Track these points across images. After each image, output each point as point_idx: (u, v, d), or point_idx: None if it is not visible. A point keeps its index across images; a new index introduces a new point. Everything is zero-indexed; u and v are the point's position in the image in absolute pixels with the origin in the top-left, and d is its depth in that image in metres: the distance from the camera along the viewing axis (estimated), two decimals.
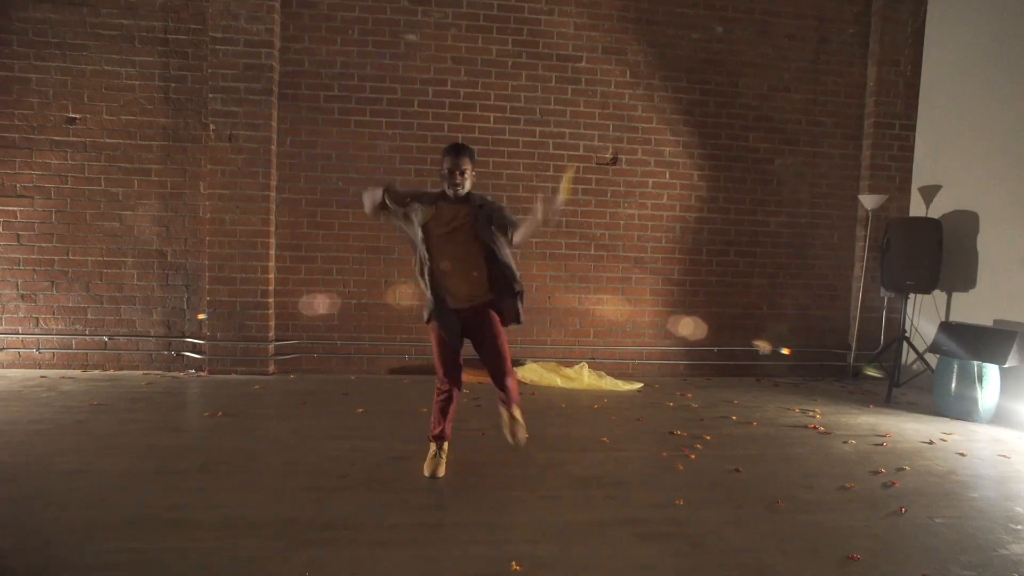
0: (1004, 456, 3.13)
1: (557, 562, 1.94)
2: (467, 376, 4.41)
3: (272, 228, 4.51)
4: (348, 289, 4.65)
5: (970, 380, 3.70)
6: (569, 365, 4.61)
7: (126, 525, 2.11)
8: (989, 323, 4.05)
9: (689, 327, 4.95)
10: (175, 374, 4.45)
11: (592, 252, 4.87)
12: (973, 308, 4.28)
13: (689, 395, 4.28)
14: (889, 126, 4.98)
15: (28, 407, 3.48)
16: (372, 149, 4.59)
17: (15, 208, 4.42)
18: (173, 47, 4.43)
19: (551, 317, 4.85)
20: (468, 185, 2.59)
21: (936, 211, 4.70)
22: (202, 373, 4.47)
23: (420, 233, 2.55)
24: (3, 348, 4.44)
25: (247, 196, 4.42)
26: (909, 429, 3.55)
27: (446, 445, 2.73)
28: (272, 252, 4.53)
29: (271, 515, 2.21)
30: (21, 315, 4.47)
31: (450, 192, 2.56)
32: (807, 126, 5.05)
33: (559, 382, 4.41)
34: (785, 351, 4.96)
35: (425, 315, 2.68)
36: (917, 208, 4.92)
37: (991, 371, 3.68)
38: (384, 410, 3.65)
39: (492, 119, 4.71)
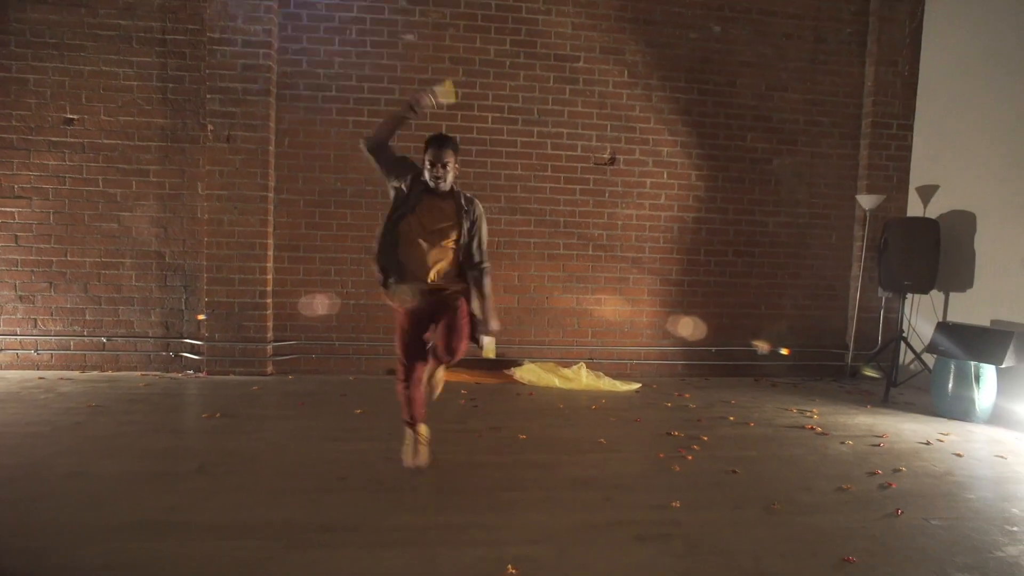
0: (1001, 457, 3.14)
1: (554, 564, 1.95)
2: (466, 376, 4.50)
3: (270, 229, 4.51)
4: (346, 290, 4.65)
5: (967, 380, 3.71)
6: (567, 365, 4.62)
7: (124, 528, 2.11)
8: (986, 323, 4.06)
9: (687, 327, 4.96)
10: (173, 375, 4.45)
11: (590, 252, 4.87)
12: (970, 308, 4.29)
13: (687, 395, 4.28)
14: (887, 126, 4.99)
15: (26, 409, 3.48)
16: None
17: (13, 209, 4.42)
18: (171, 48, 4.42)
19: (549, 317, 4.85)
20: (451, 179, 2.56)
21: (934, 211, 4.71)
22: (200, 374, 4.47)
23: (398, 211, 2.53)
24: (1, 349, 4.44)
25: (245, 197, 4.42)
26: (906, 429, 3.56)
27: (423, 429, 2.70)
28: (270, 253, 4.53)
29: (269, 517, 2.22)
30: (19, 316, 4.46)
31: (432, 184, 2.54)
32: (805, 126, 5.05)
33: (557, 383, 4.41)
34: (784, 351, 4.97)
35: (391, 293, 2.59)
36: (915, 208, 4.93)
37: (988, 371, 3.69)
38: (382, 411, 3.65)
39: (490, 119, 4.71)
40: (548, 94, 4.76)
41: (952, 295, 4.49)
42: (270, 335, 4.55)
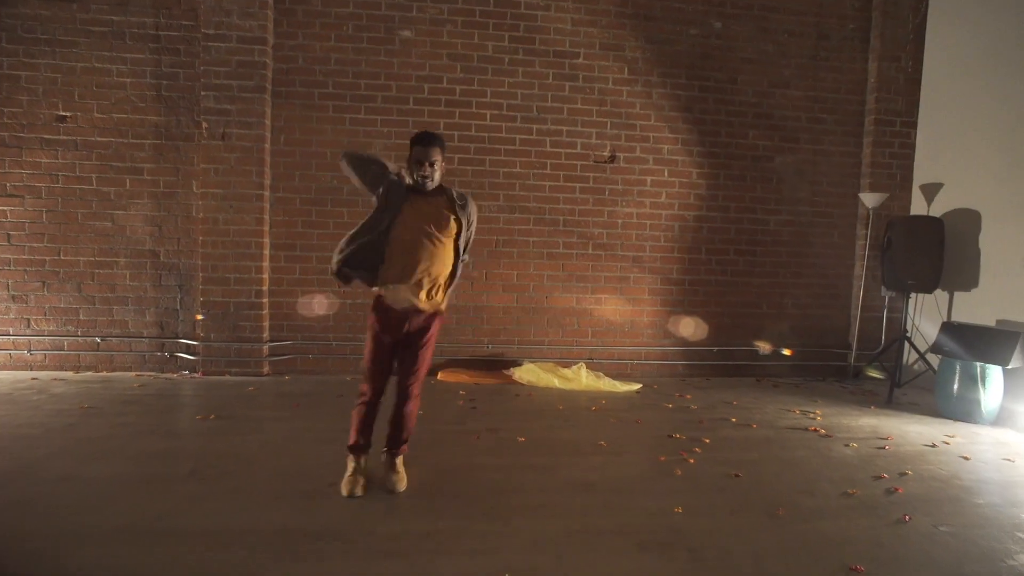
0: (1008, 460, 3.08)
1: (552, 574, 1.89)
2: (465, 377, 4.45)
3: (266, 227, 4.45)
4: (343, 289, 4.58)
5: (973, 381, 3.66)
6: (567, 366, 4.57)
7: (114, 534, 2.06)
8: (992, 323, 4.00)
9: (688, 327, 4.90)
10: (168, 375, 4.40)
11: (590, 251, 4.81)
12: (975, 308, 4.23)
13: (688, 396, 4.23)
14: (890, 123, 4.93)
15: (17, 410, 3.43)
16: (367, 147, 4.52)
17: (5, 208, 4.36)
18: (165, 44, 4.36)
19: (548, 317, 4.80)
20: (438, 177, 2.46)
21: (938, 209, 4.65)
22: (196, 375, 4.42)
23: (385, 219, 2.39)
24: None
25: (240, 195, 4.36)
26: (911, 431, 3.51)
27: (365, 460, 2.51)
28: (266, 252, 4.47)
29: (261, 523, 2.17)
30: (12, 316, 4.41)
31: (419, 184, 2.44)
32: (807, 123, 4.99)
33: (557, 383, 4.36)
34: (786, 352, 4.91)
35: (390, 292, 2.44)
36: (918, 206, 4.87)
37: (994, 372, 3.63)
38: (380, 412, 3.59)
39: (488, 116, 4.65)
40: (547, 91, 4.70)
41: (957, 295, 4.44)
42: (266, 335, 4.49)
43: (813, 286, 5.05)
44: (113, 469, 2.61)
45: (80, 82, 4.33)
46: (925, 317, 4.67)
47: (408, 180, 2.44)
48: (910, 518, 2.32)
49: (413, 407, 2.52)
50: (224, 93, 4.28)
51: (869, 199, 4.68)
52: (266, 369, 4.49)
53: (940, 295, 4.52)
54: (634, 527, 2.21)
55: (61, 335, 4.44)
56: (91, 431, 3.12)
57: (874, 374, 4.67)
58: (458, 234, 2.51)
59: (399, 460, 2.54)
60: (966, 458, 3.07)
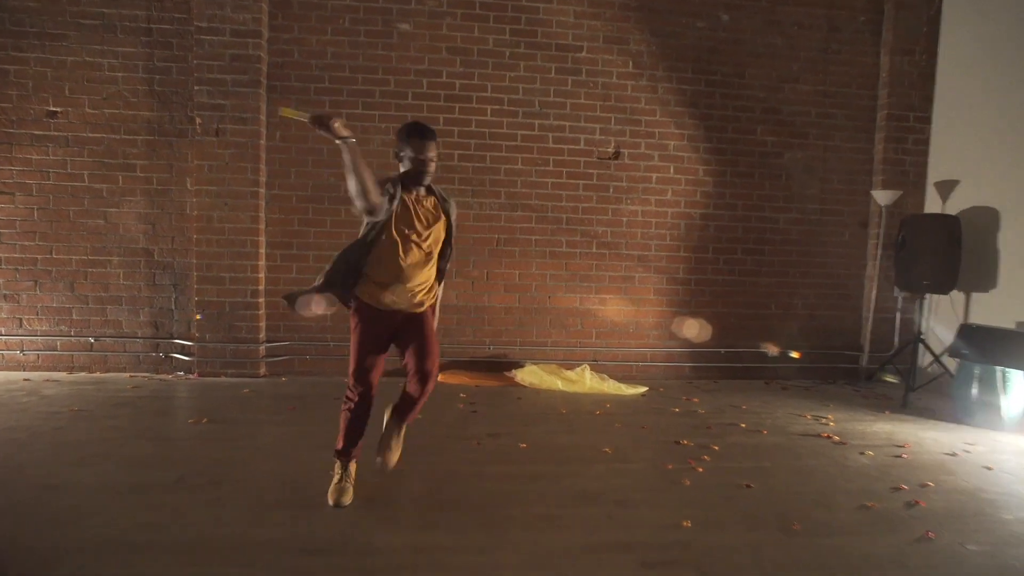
0: None
1: None
2: (466, 378, 4.33)
3: (262, 226, 4.35)
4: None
5: (993, 386, 3.52)
6: (570, 367, 4.45)
7: (94, 547, 1.96)
8: (1012, 326, 3.86)
9: (694, 328, 4.78)
10: (163, 377, 4.31)
11: (594, 250, 4.69)
12: (994, 309, 4.09)
13: (695, 400, 4.11)
14: (903, 118, 4.78)
15: (5, 413, 3.34)
16: (365, 144, 4.39)
17: None
18: (157, 37, 4.25)
19: (551, 317, 4.68)
20: (433, 172, 2.35)
21: (953, 207, 4.51)
22: (191, 376, 4.32)
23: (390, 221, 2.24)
24: None
25: (235, 192, 4.26)
26: (929, 438, 3.37)
27: (354, 467, 2.39)
28: (262, 251, 4.37)
29: (247, 536, 2.06)
30: (4, 316, 4.32)
31: (422, 181, 2.31)
32: (817, 119, 4.85)
33: (560, 385, 4.24)
34: (795, 355, 4.78)
35: (353, 303, 2.34)
36: (933, 204, 4.72)
37: (1016, 377, 3.49)
38: (374, 417, 3.44)
39: (489, 112, 4.53)
40: (549, 85, 4.57)
41: (974, 295, 4.30)
42: (262, 336, 4.39)
43: (823, 286, 4.92)
44: (99, 476, 2.51)
45: (71, 76, 4.23)
46: (940, 318, 4.54)
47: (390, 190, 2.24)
48: (935, 535, 2.19)
49: (432, 386, 2.38)
50: (218, 88, 4.17)
51: (881, 197, 4.55)
52: (262, 370, 4.39)
53: (956, 296, 4.38)
54: (640, 542, 2.09)
55: (54, 335, 4.35)
56: (79, 435, 3.02)
57: (890, 379, 4.54)
58: (446, 238, 2.40)
59: (402, 431, 2.46)
60: (989, 468, 2.93)
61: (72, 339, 4.36)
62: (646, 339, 4.76)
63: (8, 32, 4.17)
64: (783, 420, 3.67)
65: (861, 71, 4.85)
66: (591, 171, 4.66)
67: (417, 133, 2.30)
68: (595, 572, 1.91)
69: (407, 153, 2.29)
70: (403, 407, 2.43)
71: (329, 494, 2.32)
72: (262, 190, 4.33)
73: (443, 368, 4.45)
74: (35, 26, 4.18)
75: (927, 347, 4.33)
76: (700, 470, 2.79)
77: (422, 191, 2.36)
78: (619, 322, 4.73)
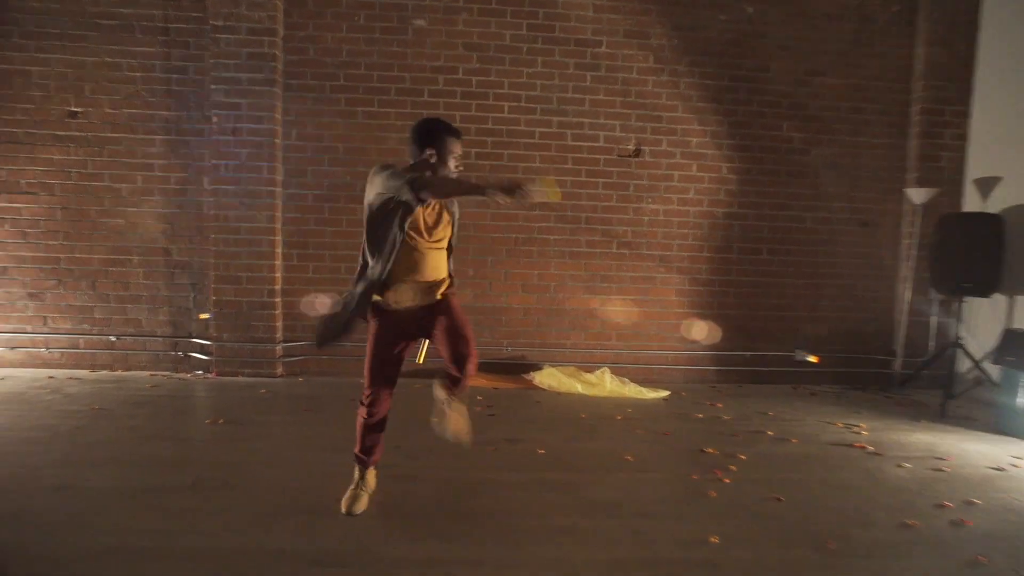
0: None
1: None
2: (483, 381, 4.26)
3: (278, 225, 4.32)
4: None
5: None
6: (590, 370, 4.35)
7: (102, 554, 1.93)
8: None
9: (718, 330, 4.63)
10: (182, 376, 4.32)
11: (614, 250, 4.58)
12: None
13: (719, 405, 3.98)
14: (939, 112, 4.57)
15: (29, 411, 3.36)
16: (381, 141, 4.36)
17: (20, 205, 4.32)
18: (174, 36, 4.25)
19: (570, 319, 4.58)
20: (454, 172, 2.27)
21: (995, 205, 4.28)
22: (209, 375, 4.33)
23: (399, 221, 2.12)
24: (14, 347, 4.35)
25: (251, 192, 4.24)
26: (972, 451, 3.19)
27: (371, 474, 2.33)
28: (279, 250, 4.35)
29: (258, 545, 2.01)
30: (29, 314, 4.37)
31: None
32: (847, 113, 4.66)
33: (579, 388, 4.15)
34: (812, 359, 4.58)
35: (395, 293, 2.18)
36: (972, 202, 4.50)
37: None
38: (391, 419, 3.42)
39: (506, 109, 4.44)
40: (568, 81, 4.46)
41: (1019, 299, 4.07)
42: (279, 335, 4.37)
43: (853, 288, 4.73)
44: (113, 478, 2.50)
45: (91, 77, 4.25)
46: (979, 322, 4.32)
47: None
48: (986, 559, 2.03)
49: (473, 368, 2.23)
50: (234, 86, 4.16)
51: (916, 195, 4.35)
52: (279, 370, 4.37)
53: (997, 299, 4.16)
54: (664, 559, 1.99)
55: (77, 333, 4.39)
56: (98, 434, 3.03)
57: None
58: (451, 236, 2.32)
59: (456, 401, 2.22)
60: None
61: (94, 337, 4.39)
62: (668, 341, 4.63)
63: (31, 34, 4.21)
64: (813, 428, 3.52)
65: (894, 63, 4.64)
66: (611, 169, 4.54)
67: (451, 131, 2.20)
68: None
69: (432, 152, 2.18)
70: (448, 384, 2.24)
71: (343, 501, 2.26)
72: (278, 189, 4.30)
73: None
74: (57, 27, 4.21)
75: (966, 352, 4.12)
76: (727, 481, 2.67)
77: None
78: (640, 324, 4.61)
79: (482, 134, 4.42)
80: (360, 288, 2.16)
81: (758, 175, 4.64)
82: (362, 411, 2.29)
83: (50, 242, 4.34)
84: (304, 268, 4.42)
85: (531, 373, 4.33)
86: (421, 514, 2.28)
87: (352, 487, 2.31)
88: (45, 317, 4.38)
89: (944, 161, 4.58)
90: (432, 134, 2.19)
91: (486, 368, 4.46)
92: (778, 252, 4.68)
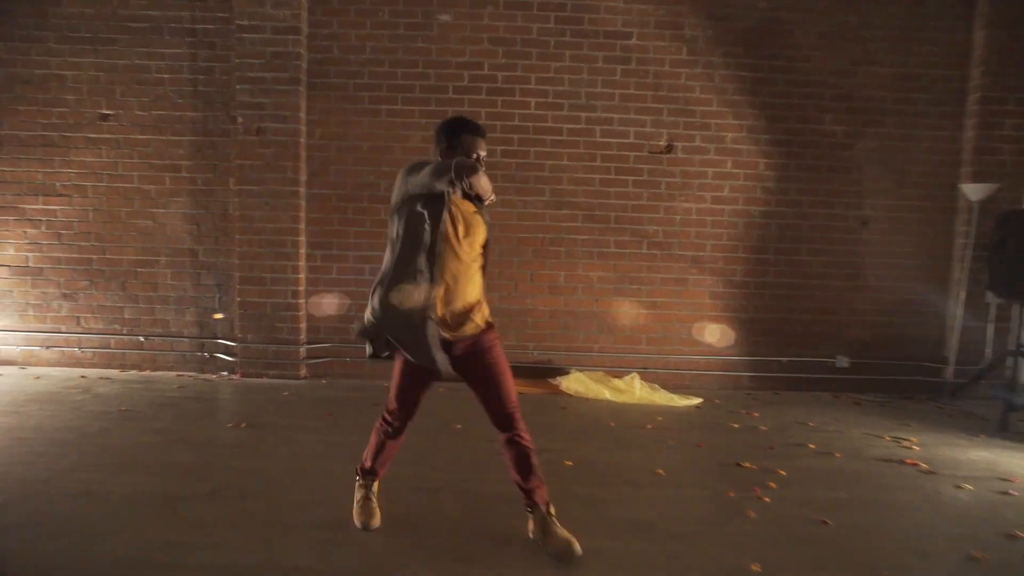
0: None
1: None
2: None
3: (302, 225, 4.30)
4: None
5: None
6: (618, 375, 4.19)
7: (117, 566, 1.89)
8: None
9: (754, 334, 4.42)
10: (208, 376, 4.34)
11: (644, 251, 4.40)
12: None
13: (755, 414, 3.78)
14: (1000, 101, 4.24)
15: (59, 411, 3.41)
16: (405, 140, 4.29)
17: (56, 207, 4.40)
18: (201, 37, 4.26)
19: (599, 322, 4.43)
20: None
21: None
22: (234, 376, 4.34)
23: (431, 230, 1.94)
24: (48, 347, 4.44)
25: (276, 192, 4.22)
26: None
27: (377, 485, 2.24)
28: (302, 251, 4.32)
29: (272, 561, 1.94)
30: (64, 314, 4.46)
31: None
32: (895, 104, 4.38)
33: (608, 394, 4.00)
34: (846, 362, 4.31)
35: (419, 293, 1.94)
36: None
37: None
38: (414, 425, 3.34)
39: (533, 105, 4.31)
40: (597, 76, 4.30)
41: None
42: (303, 337, 4.35)
43: (900, 290, 4.44)
44: (135, 484, 2.47)
45: (121, 79, 4.30)
46: None
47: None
48: None
49: (524, 430, 2.02)
50: (258, 86, 4.14)
51: (973, 191, 4.05)
52: (303, 372, 4.35)
53: None
54: None
55: (108, 333, 4.46)
56: (123, 438, 3.03)
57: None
58: (485, 243, 2.10)
59: (550, 513, 2.02)
60: None
61: (124, 337, 4.45)
62: (700, 346, 4.44)
63: (66, 39, 4.27)
64: (858, 441, 3.30)
65: (949, 49, 4.33)
66: (642, 166, 4.37)
67: (469, 127, 2.05)
68: None
69: (461, 148, 2.03)
70: (519, 477, 2.03)
71: (355, 516, 2.18)
72: (302, 189, 4.27)
73: None
74: (89, 31, 4.27)
75: None
76: (766, 500, 2.49)
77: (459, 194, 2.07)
78: (671, 328, 4.44)
79: (508, 131, 4.30)
80: (426, 314, 1.92)
81: (797, 171, 4.40)
82: (383, 425, 2.20)
83: (82, 243, 4.41)
84: (328, 269, 4.38)
85: (558, 378, 4.20)
86: (441, 531, 2.18)
87: (361, 501, 2.21)
88: (78, 317, 4.46)
89: (1004, 154, 4.26)
90: (455, 133, 2.07)
91: (511, 372, 4.35)
92: (818, 252, 4.44)
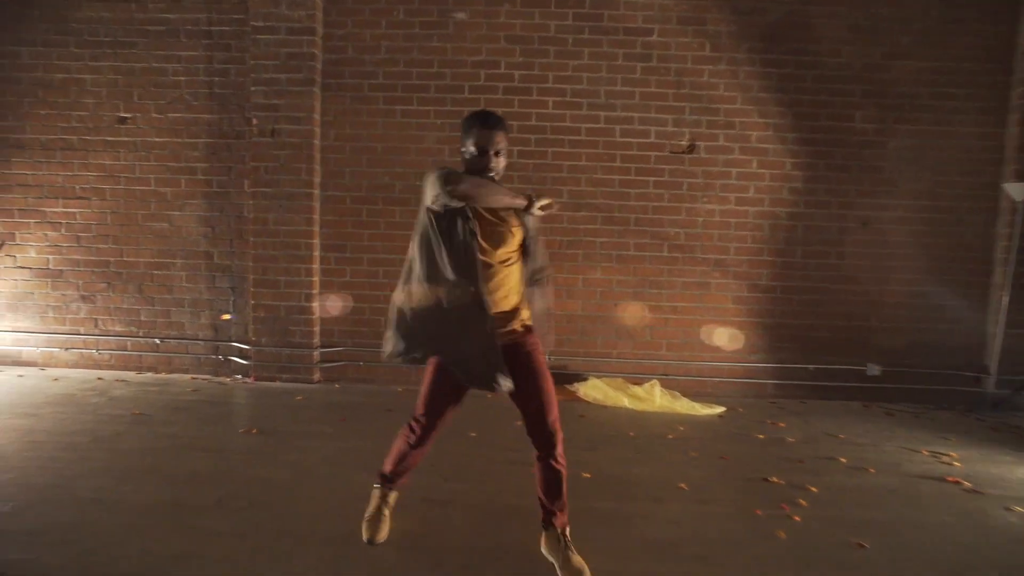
0: None
1: None
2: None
3: (316, 228, 4.25)
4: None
5: None
6: (638, 382, 4.07)
7: None
8: None
9: (779, 340, 4.25)
10: (222, 380, 4.32)
11: (665, 254, 4.27)
12: None
13: (781, 424, 3.62)
14: None
15: (74, 415, 3.40)
16: (419, 141, 4.22)
17: (75, 210, 4.43)
18: (217, 40, 4.24)
19: (617, 327, 4.30)
20: (502, 170, 1.95)
21: None
22: (248, 379, 4.31)
23: (465, 232, 1.86)
24: (68, 348, 4.47)
25: (290, 194, 4.18)
26: None
27: (394, 498, 2.14)
28: (316, 254, 4.28)
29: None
30: (82, 316, 4.48)
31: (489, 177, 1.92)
32: (930, 100, 4.17)
33: (626, 402, 3.87)
34: (877, 370, 4.11)
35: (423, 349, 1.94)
36: None
37: None
38: (427, 453, 3.27)
39: (550, 104, 4.20)
40: (617, 73, 4.18)
41: None
42: (316, 340, 4.31)
43: (936, 295, 4.23)
44: (144, 492, 2.43)
45: (139, 82, 4.31)
46: None
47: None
48: None
49: (563, 464, 1.93)
50: (273, 87, 4.11)
51: (1017, 190, 3.83)
52: (317, 376, 4.31)
53: None
54: None
55: (125, 335, 4.47)
56: (134, 442, 3.01)
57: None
58: (522, 246, 2.00)
59: (565, 536, 1.94)
60: None
61: (141, 340, 4.46)
62: (723, 352, 4.29)
63: (85, 43, 4.30)
64: (893, 455, 3.12)
65: (991, 41, 4.11)
66: (663, 167, 4.23)
67: (477, 120, 1.91)
68: None
69: (468, 148, 1.92)
70: (544, 497, 1.96)
71: (364, 528, 2.09)
72: (316, 191, 4.23)
73: None
74: (108, 35, 4.29)
75: None
76: (797, 519, 2.35)
77: None
78: (693, 333, 4.29)
79: (525, 131, 4.21)
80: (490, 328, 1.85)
81: (826, 171, 4.23)
82: (408, 434, 2.09)
83: (101, 246, 4.44)
84: (342, 272, 4.33)
85: (575, 384, 4.09)
86: (453, 546, 2.09)
87: (373, 512, 2.12)
88: (96, 319, 4.48)
89: None
90: (466, 129, 1.96)
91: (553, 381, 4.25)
92: (848, 256, 4.25)
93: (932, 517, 2.41)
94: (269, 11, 4.06)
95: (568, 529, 1.98)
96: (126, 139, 4.36)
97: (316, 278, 4.28)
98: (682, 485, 2.65)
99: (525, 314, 2.02)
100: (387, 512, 2.14)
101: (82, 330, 4.48)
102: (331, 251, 4.32)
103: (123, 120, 4.35)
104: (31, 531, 2.10)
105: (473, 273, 1.85)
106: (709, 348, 4.29)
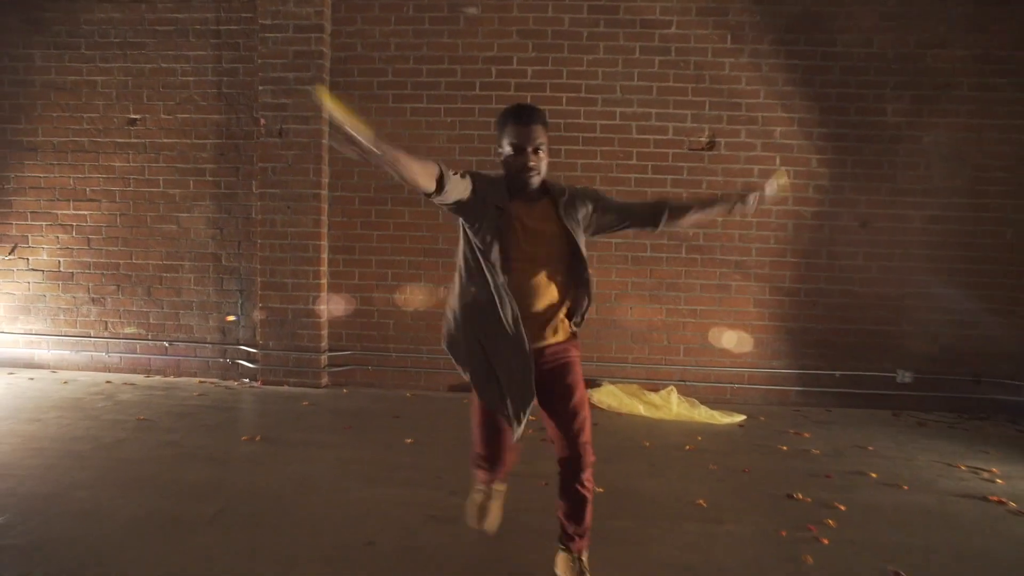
0: None
1: None
2: (535, 400, 3.92)
3: (324, 229, 4.18)
4: (404, 296, 4.22)
5: None
6: (654, 389, 3.92)
7: None
8: None
9: (803, 345, 4.06)
10: (229, 383, 4.27)
11: (683, 255, 4.10)
12: None
13: (806, 435, 3.44)
14: None
15: (79, 419, 3.38)
16: (430, 139, 4.11)
17: (86, 212, 4.42)
18: (225, 39, 4.20)
19: (632, 331, 4.15)
20: (544, 168, 1.76)
21: None
22: (255, 383, 4.26)
23: (494, 244, 1.72)
24: (78, 351, 4.47)
25: (298, 195, 4.11)
26: None
27: (503, 488, 2.00)
28: (324, 256, 4.20)
29: None
30: (92, 318, 4.48)
31: (523, 180, 1.74)
32: (970, 91, 3.94)
33: (642, 410, 3.73)
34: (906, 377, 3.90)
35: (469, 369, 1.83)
36: None
37: None
38: (436, 441, 3.17)
39: (564, 100, 4.07)
40: (633, 68, 4.03)
41: None
42: (324, 344, 4.23)
43: (973, 299, 4.00)
44: (139, 505, 2.36)
45: (148, 83, 4.28)
46: None
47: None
48: None
49: (590, 488, 1.79)
50: (281, 87, 4.04)
51: None
52: (324, 380, 4.24)
53: None
54: None
55: (134, 338, 4.45)
56: (136, 451, 2.95)
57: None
58: (571, 255, 1.84)
59: (582, 561, 1.82)
60: None
61: (149, 343, 4.44)
62: (744, 358, 4.11)
63: (96, 45, 4.29)
64: (927, 470, 2.93)
65: None
66: (681, 164, 4.07)
67: (513, 115, 1.73)
68: None
69: (504, 147, 1.74)
70: (565, 523, 1.82)
71: (468, 513, 2.00)
72: (324, 192, 4.16)
73: None
74: (118, 36, 4.27)
75: None
76: (824, 541, 2.19)
77: (532, 196, 1.78)
78: (712, 337, 4.12)
79: None
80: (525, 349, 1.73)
81: (854, 167, 4.02)
82: (478, 472, 1.99)
83: (111, 248, 4.42)
84: (350, 275, 4.25)
85: (589, 390, 3.94)
86: (459, 568, 1.98)
87: (479, 499, 1.98)
88: (106, 322, 4.47)
89: None
90: (499, 125, 1.77)
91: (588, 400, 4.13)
92: (877, 257, 4.04)
93: (975, 542, 2.22)
94: (277, 8, 3.99)
95: (586, 555, 1.84)
96: (135, 141, 4.34)
97: (324, 280, 4.21)
98: (700, 502, 2.50)
99: (565, 324, 1.88)
100: (490, 498, 2.00)
101: (92, 333, 4.48)
102: (339, 253, 4.24)
103: (133, 121, 4.33)
104: (20, 546, 2.03)
105: (498, 280, 1.71)
106: (729, 353, 4.11)
